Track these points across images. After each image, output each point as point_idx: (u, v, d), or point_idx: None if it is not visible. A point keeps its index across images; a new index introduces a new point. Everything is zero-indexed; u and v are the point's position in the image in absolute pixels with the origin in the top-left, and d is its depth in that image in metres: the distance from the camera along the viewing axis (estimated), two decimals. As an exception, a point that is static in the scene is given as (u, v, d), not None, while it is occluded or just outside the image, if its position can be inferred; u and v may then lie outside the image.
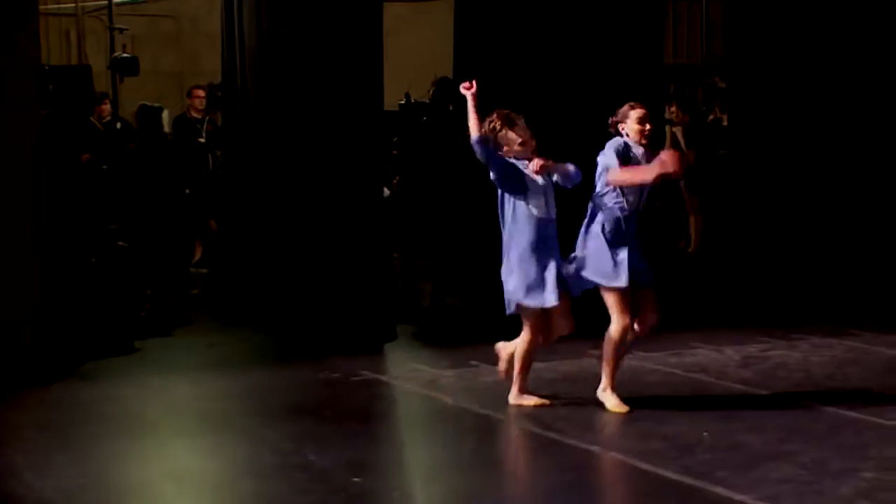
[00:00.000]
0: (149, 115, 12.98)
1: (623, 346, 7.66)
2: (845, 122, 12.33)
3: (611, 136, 7.64)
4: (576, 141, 11.13)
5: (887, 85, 12.27)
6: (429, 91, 11.42)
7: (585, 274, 7.54)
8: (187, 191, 12.85)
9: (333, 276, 10.06)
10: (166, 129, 13.50)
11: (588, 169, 7.69)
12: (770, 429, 7.19)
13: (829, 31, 12.24)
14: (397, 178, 11.77)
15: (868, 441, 6.86)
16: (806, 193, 12.37)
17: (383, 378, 8.75)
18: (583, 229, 7.63)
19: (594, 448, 6.89)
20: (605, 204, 7.52)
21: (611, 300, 7.49)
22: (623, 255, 7.47)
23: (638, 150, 7.53)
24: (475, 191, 11.29)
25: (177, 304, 11.59)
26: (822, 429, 7.19)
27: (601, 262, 7.50)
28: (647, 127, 7.55)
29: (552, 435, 7.14)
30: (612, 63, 11.25)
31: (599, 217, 7.55)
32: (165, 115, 13.59)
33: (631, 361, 9.13)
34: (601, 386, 7.68)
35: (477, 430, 7.41)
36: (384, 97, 11.81)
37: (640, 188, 7.51)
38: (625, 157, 7.47)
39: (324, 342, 9.76)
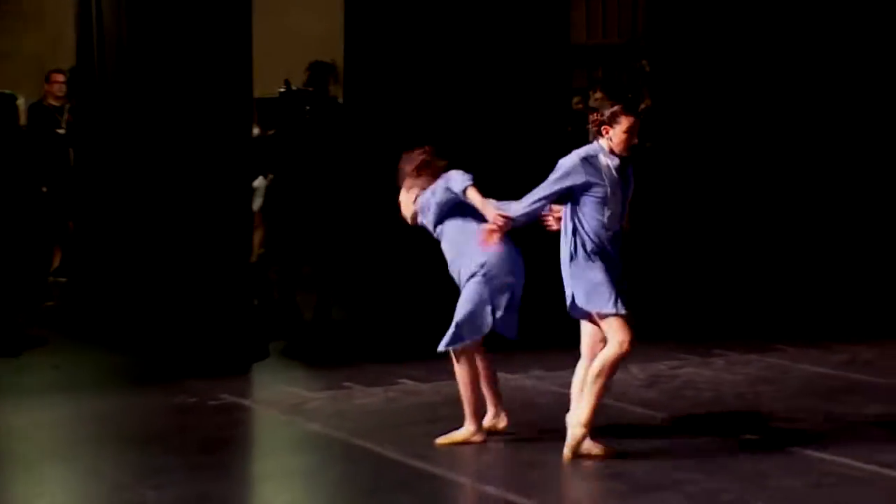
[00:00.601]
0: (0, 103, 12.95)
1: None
2: (779, 112, 12.59)
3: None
4: (478, 129, 11.41)
5: (824, 69, 12.55)
6: (305, 76, 11.43)
7: (578, 301, 7.42)
8: (44, 189, 12.85)
9: (197, 286, 10.13)
10: (22, 119, 13.49)
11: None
12: (661, 455, 7.36)
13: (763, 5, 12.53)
14: (270, 175, 11.84)
15: (766, 470, 7.04)
16: (736, 191, 12.60)
17: (245, 402, 8.85)
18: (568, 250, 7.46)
19: (463, 480, 7.05)
20: (584, 218, 7.38)
21: (614, 324, 7.29)
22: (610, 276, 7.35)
23: (611, 161, 7.35)
24: (364, 188, 11.51)
25: (28, 319, 11.61)
26: (720, 456, 7.36)
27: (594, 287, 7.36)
28: (635, 140, 7.41)
29: (425, 466, 7.26)
30: (514, 43, 11.40)
31: (580, 235, 7.39)
32: (21, 103, 13.56)
33: (525, 381, 9.35)
34: (577, 419, 7.37)
35: (343, 461, 7.54)
36: (266, 84, 11.96)
37: (622, 200, 7.39)
38: (591, 169, 7.35)
39: (184, 362, 9.83)
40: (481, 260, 7.73)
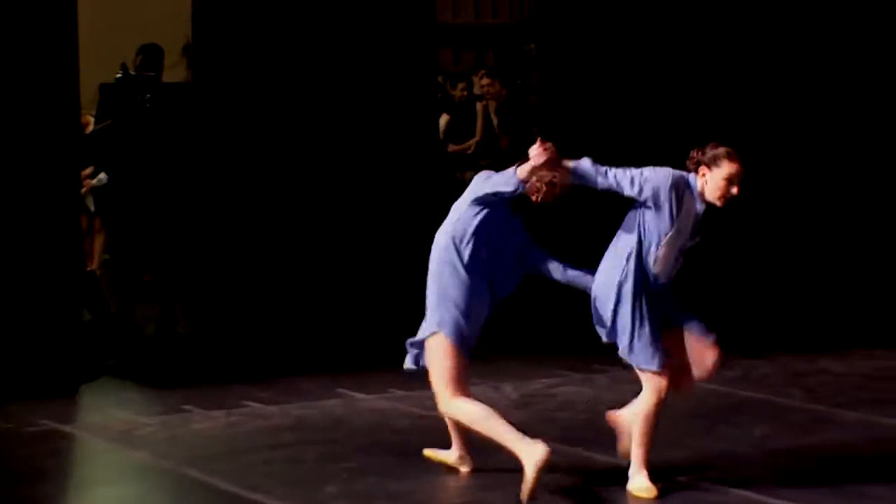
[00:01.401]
0: None
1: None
2: (670, 100, 12.95)
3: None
4: (340, 112, 11.66)
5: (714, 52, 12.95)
6: (136, 60, 11.58)
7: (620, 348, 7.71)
8: None
9: (18, 297, 10.22)
10: None
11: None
12: (519, 482, 7.56)
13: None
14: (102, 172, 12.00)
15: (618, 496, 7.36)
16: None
17: (67, 428, 8.99)
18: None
19: (297, 512, 7.30)
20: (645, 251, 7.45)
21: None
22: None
23: (699, 207, 7.39)
24: (214, 184, 11.69)
25: None
26: (584, 483, 7.68)
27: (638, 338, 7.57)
28: (734, 190, 7.36)
29: (259, 498, 7.46)
30: (377, 22, 11.66)
31: (631, 266, 7.48)
32: None
33: (383, 402, 9.61)
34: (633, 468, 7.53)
35: (169, 493, 7.73)
36: (107, 68, 12.05)
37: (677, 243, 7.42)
38: (678, 200, 7.35)
39: (1, 384, 9.91)
40: None
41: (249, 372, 10.38)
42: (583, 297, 12.28)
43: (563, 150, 13.06)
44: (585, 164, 7.50)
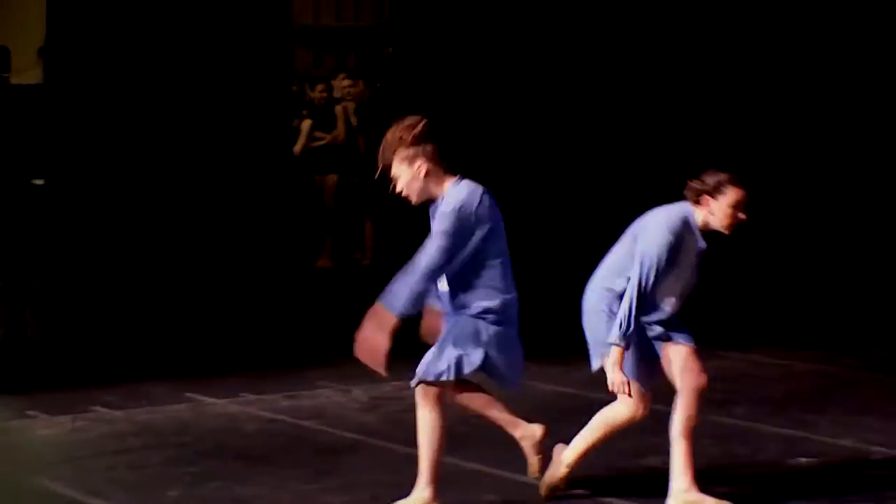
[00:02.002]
0: None
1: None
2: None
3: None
4: (198, 115, 11.60)
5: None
6: None
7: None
8: None
9: None
10: None
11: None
12: (364, 485, 7.63)
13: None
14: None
15: (472, 499, 7.36)
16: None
17: None
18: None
19: (137, 519, 7.23)
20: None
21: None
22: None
23: (701, 244, 7.14)
24: (67, 185, 11.59)
25: None
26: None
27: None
28: (742, 216, 7.09)
29: (93, 501, 7.41)
30: (233, 24, 11.62)
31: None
32: None
33: (232, 407, 9.55)
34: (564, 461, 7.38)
35: (9, 498, 7.62)
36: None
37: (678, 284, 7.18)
38: (677, 248, 7.07)
39: None
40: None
41: (97, 376, 10.27)
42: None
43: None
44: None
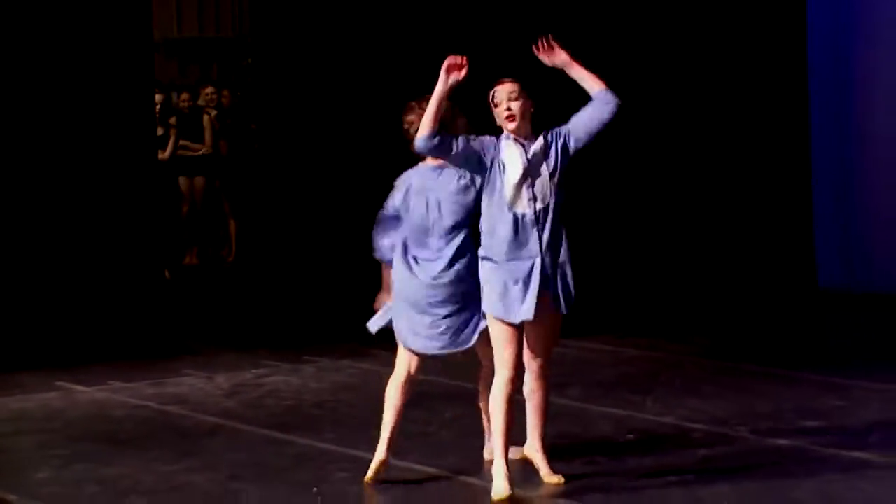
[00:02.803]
0: None
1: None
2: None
3: None
4: (62, 124, 11.51)
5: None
6: None
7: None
8: None
9: None
10: None
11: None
12: (224, 466, 7.65)
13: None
14: None
15: (324, 475, 7.41)
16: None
17: None
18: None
19: (11, 497, 7.13)
20: None
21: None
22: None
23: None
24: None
25: None
26: (284, 464, 7.70)
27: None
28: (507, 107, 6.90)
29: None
30: (95, 38, 11.58)
31: None
32: None
33: (101, 394, 9.53)
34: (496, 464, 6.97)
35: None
36: None
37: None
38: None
39: None
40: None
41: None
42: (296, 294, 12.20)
43: (284, 156, 13.36)
44: None
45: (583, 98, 7.06)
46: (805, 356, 10.80)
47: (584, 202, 13.10)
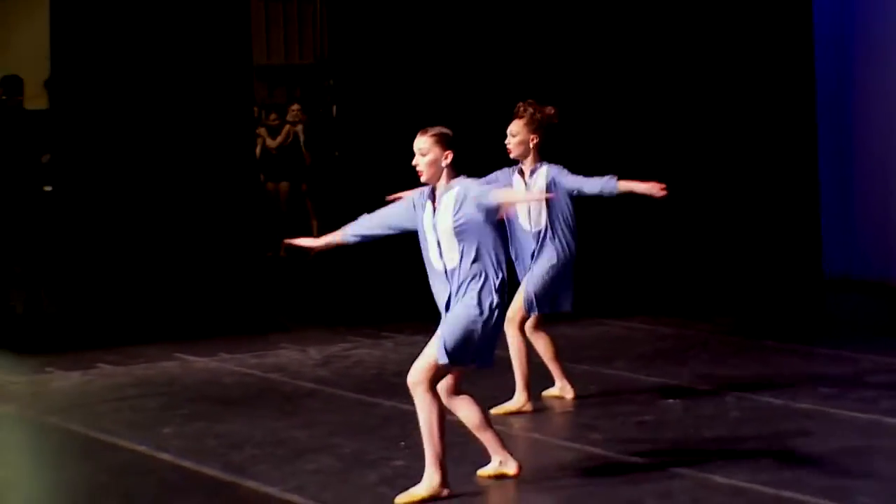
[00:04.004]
0: None
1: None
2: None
3: None
4: (177, 134, 11.50)
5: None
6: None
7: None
8: None
9: None
10: None
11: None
12: (322, 424, 7.57)
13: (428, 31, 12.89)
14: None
15: (409, 432, 7.31)
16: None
17: (-53, 387, 8.73)
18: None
19: (142, 448, 7.09)
20: None
21: None
22: None
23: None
24: (69, 193, 11.46)
25: None
26: (373, 422, 7.61)
27: None
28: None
29: (103, 437, 7.31)
30: (199, 63, 11.56)
31: None
32: None
33: (211, 364, 9.45)
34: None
35: (25, 436, 7.53)
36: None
37: None
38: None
39: None
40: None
41: (101, 340, 10.14)
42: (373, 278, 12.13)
43: (362, 164, 13.26)
44: None
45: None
46: (816, 333, 10.64)
47: (619, 206, 13.02)
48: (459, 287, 6.06)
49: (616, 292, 12.17)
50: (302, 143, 15.22)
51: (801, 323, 11.10)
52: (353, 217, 14.02)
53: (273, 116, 15.49)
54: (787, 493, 6.05)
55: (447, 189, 6.10)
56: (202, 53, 11.72)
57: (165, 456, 6.94)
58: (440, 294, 6.15)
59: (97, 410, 7.97)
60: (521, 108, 7.57)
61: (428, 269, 6.19)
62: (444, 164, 6.08)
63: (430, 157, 6.09)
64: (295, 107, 15.50)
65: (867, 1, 12.47)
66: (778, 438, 7.03)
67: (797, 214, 12.87)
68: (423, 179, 6.15)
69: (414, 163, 6.14)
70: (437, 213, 6.09)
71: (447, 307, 6.11)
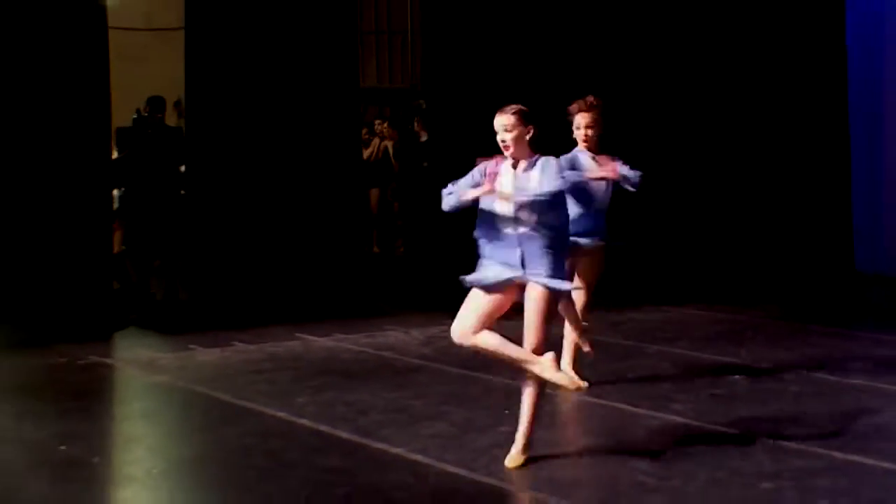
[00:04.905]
0: None
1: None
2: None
3: None
4: (288, 157, 11.46)
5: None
6: (144, 108, 11.36)
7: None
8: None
9: (68, 270, 9.93)
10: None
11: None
12: (432, 394, 7.45)
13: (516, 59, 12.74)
14: (122, 188, 11.55)
15: (510, 403, 7.17)
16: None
17: (108, 361, 8.65)
18: None
19: (281, 414, 7.00)
20: None
21: None
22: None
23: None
24: (199, 195, 11.43)
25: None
26: (477, 393, 7.47)
27: None
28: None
29: (245, 404, 7.23)
30: (313, 86, 11.52)
31: None
32: None
33: (330, 343, 9.34)
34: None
35: (184, 403, 7.45)
36: (124, 115, 11.76)
37: None
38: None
39: (56, 330, 9.53)
40: None
41: (234, 322, 10.05)
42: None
43: (446, 174, 13.11)
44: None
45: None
46: (854, 320, 10.40)
47: (675, 206, 12.81)
48: (532, 251, 5.73)
49: (668, 283, 11.98)
50: (391, 156, 15.19)
51: (840, 311, 10.85)
52: (435, 218, 13.71)
53: (364, 131, 15.43)
54: (855, 458, 5.88)
55: (530, 163, 5.83)
56: (314, 78, 11.66)
57: (304, 421, 6.84)
58: (509, 257, 5.79)
59: (238, 382, 7.89)
60: (592, 100, 7.30)
61: (491, 235, 5.85)
62: (527, 137, 5.81)
63: (515, 133, 5.80)
64: (381, 122, 15.45)
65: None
66: (838, 410, 6.83)
67: (830, 213, 12.62)
68: (509, 154, 5.82)
69: (500, 139, 5.80)
70: (517, 181, 5.79)
71: (522, 265, 5.75)
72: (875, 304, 11.26)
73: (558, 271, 5.82)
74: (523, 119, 5.84)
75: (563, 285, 5.85)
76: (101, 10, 10.22)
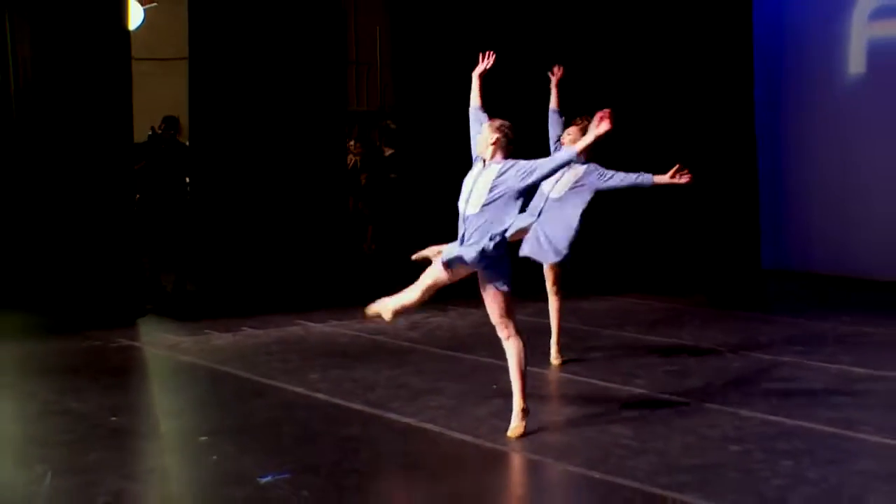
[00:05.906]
0: None
1: None
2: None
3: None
4: (284, 171, 11.19)
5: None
6: (159, 126, 11.06)
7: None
8: None
9: (94, 266, 9.58)
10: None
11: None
12: (428, 372, 7.28)
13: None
14: (138, 195, 11.19)
15: (496, 379, 7.03)
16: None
17: (136, 344, 8.36)
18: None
19: (299, 389, 6.79)
20: None
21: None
22: None
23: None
24: (206, 201, 11.13)
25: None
26: (465, 370, 7.32)
27: None
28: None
29: (265, 381, 7.00)
30: (307, 110, 11.27)
31: None
32: None
33: (327, 328, 9.11)
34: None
35: (210, 380, 7.19)
36: (139, 132, 11.47)
37: None
38: None
39: (87, 318, 9.20)
40: None
41: (242, 310, 9.77)
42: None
43: (417, 192, 12.90)
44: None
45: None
46: (769, 307, 10.42)
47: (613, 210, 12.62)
48: (473, 232, 5.67)
49: (606, 276, 11.91)
50: (358, 169, 14.94)
51: (756, 299, 10.85)
52: (403, 229, 13.22)
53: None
54: (803, 423, 5.81)
55: (495, 162, 5.73)
56: (304, 101, 11.41)
57: (320, 395, 6.64)
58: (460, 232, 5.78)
59: (254, 361, 7.64)
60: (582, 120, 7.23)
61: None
62: (490, 142, 5.73)
63: (483, 135, 5.79)
64: (352, 142, 15.19)
65: (801, 11, 11.73)
66: (776, 382, 6.78)
67: (740, 216, 12.63)
68: (474, 151, 5.86)
69: (473, 133, 5.94)
70: (483, 173, 5.72)
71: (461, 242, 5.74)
72: (784, 293, 11.31)
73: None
74: (495, 128, 5.80)
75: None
76: (126, 36, 9.88)
